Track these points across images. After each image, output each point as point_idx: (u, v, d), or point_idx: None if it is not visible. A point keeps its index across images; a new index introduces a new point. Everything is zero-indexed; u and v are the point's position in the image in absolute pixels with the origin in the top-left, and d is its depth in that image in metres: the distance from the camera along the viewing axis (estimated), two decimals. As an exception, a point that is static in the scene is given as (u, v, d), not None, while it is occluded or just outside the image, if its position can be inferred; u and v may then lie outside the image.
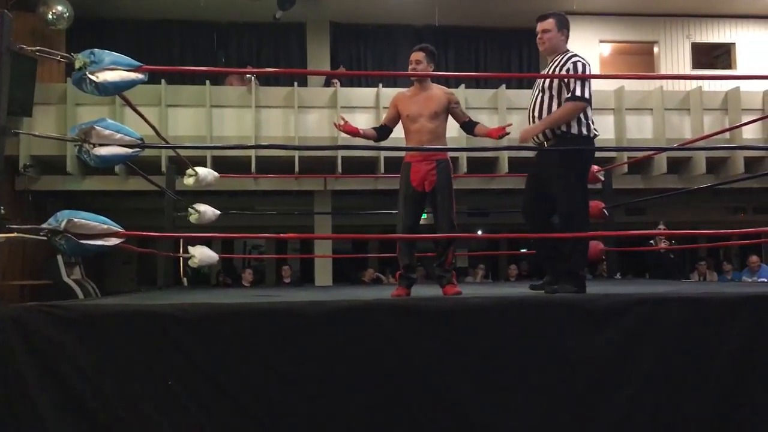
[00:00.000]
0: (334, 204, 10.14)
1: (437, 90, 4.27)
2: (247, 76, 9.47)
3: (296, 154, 8.96)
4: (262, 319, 2.89)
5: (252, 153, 8.84)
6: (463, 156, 9.29)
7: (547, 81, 3.91)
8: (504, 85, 9.77)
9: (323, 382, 2.85)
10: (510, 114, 9.42)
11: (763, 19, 11.76)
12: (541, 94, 3.94)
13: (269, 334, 2.86)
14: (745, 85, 9.90)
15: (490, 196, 10.47)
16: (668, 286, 4.67)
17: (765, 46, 11.78)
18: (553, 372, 2.99)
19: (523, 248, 10.54)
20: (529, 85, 10.64)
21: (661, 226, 7.80)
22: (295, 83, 9.48)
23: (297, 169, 8.92)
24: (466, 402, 2.91)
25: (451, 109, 4.27)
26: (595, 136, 3.94)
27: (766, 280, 7.86)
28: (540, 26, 4.07)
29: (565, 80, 3.82)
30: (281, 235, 4.61)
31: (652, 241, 7.90)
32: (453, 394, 2.91)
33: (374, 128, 4.48)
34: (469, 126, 4.37)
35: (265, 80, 10.05)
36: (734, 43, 11.84)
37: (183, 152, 6.47)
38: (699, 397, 3.03)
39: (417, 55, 4.21)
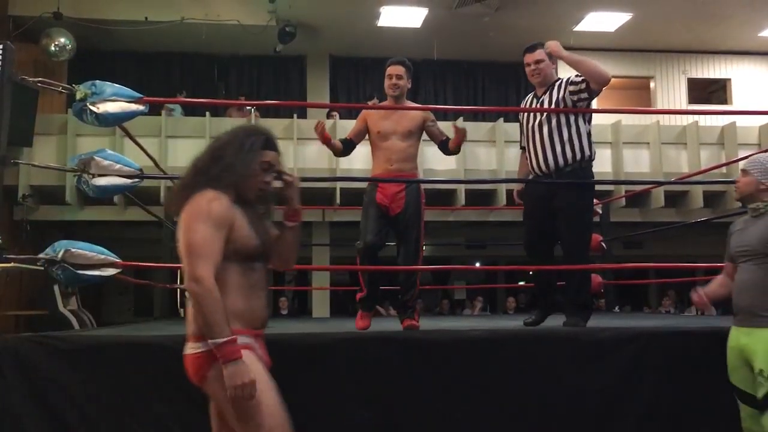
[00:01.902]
0: (333, 235, 10.13)
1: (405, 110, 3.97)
2: (247, 108, 9.55)
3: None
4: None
5: (251, 184, 8.85)
6: (461, 188, 9.31)
7: (544, 118, 3.88)
8: (502, 119, 9.85)
9: (316, 414, 2.83)
10: (508, 147, 9.48)
11: (757, 55, 11.92)
12: (547, 126, 3.82)
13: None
14: (740, 120, 9.98)
15: (488, 228, 10.49)
16: (663, 320, 4.67)
17: (760, 81, 11.92)
18: (553, 404, 2.97)
19: (521, 281, 10.52)
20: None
21: None
22: (295, 115, 9.55)
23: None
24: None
25: (427, 127, 3.95)
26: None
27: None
28: (532, 57, 3.98)
29: (573, 99, 3.83)
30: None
31: None
32: (451, 427, 2.88)
33: (340, 140, 4.15)
34: (444, 145, 4.09)
35: (265, 112, 10.14)
36: (730, 79, 11.98)
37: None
38: (698, 415, 3.02)
39: (397, 69, 3.91)
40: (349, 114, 10.26)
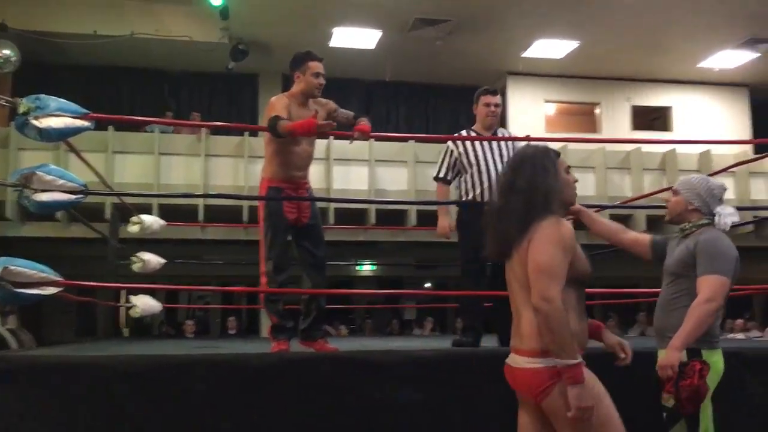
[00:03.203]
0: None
1: (318, 106, 3.79)
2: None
3: (245, 203, 8.90)
4: (202, 371, 2.82)
5: (200, 201, 8.75)
6: (412, 208, 9.37)
7: (508, 153, 4.12)
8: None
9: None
10: (458, 169, 9.59)
11: (697, 84, 12.38)
12: (502, 164, 4.08)
13: (210, 387, 2.79)
14: (681, 147, 10.34)
15: (438, 248, 10.54)
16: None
17: (699, 110, 12.37)
18: (505, 422, 2.99)
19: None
20: (477, 141, 10.92)
21: None
22: (246, 133, 9.49)
23: (245, 218, 8.85)
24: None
25: (333, 118, 3.80)
26: None
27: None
28: (495, 99, 4.23)
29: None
30: (226, 288, 4.51)
31: None
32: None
33: None
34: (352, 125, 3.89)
35: (216, 129, 10.04)
36: (671, 107, 12.40)
37: (129, 199, 6.37)
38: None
39: (322, 67, 3.79)
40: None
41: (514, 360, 2.26)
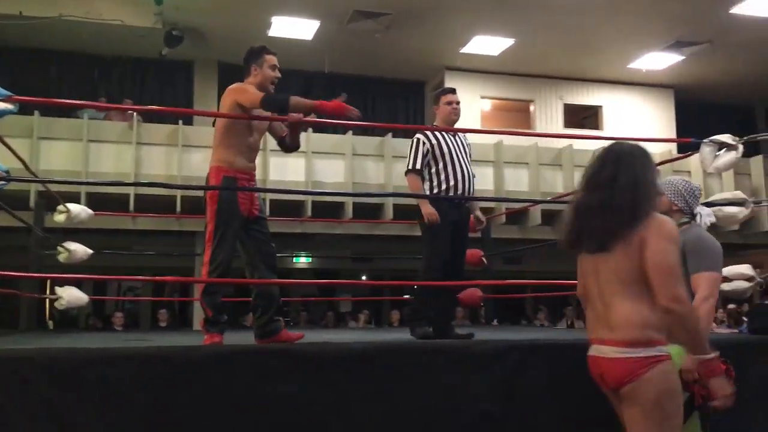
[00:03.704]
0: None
1: None
2: (129, 112, 9.18)
3: (178, 193, 8.71)
4: (131, 364, 2.75)
5: (131, 191, 8.52)
6: (349, 201, 9.37)
7: (468, 150, 4.29)
8: (390, 134, 10.01)
9: (199, 429, 2.74)
10: (396, 161, 9.66)
11: (626, 84, 12.80)
12: (467, 159, 4.25)
13: (138, 381, 2.72)
14: (611, 145, 10.66)
15: (374, 241, 10.59)
16: (540, 333, 4.87)
17: (628, 109, 12.79)
18: (436, 415, 3.02)
19: (407, 294, 10.67)
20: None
21: None
22: (180, 121, 9.28)
23: (179, 208, 8.66)
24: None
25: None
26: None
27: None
28: (456, 98, 4.33)
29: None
30: (158, 277, 4.39)
31: None
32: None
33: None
34: (283, 140, 3.92)
35: (148, 117, 9.78)
36: (601, 106, 12.79)
37: (55, 187, 6.14)
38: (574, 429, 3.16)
39: (276, 60, 3.79)
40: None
41: (600, 350, 2.32)
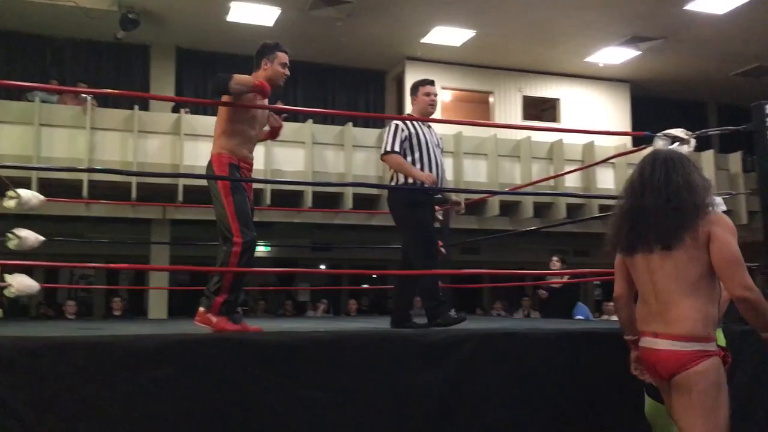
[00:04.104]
0: (173, 234, 9.76)
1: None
2: (83, 95, 8.95)
3: (134, 179, 8.54)
4: (83, 353, 2.70)
5: (84, 176, 8.34)
6: (308, 189, 9.32)
7: (439, 142, 4.33)
8: (351, 123, 9.98)
9: (152, 420, 2.70)
10: (356, 150, 9.66)
11: (584, 78, 12.98)
12: (440, 151, 4.28)
13: (91, 370, 2.67)
14: (567, 138, 10.83)
15: (333, 231, 10.57)
16: (496, 323, 4.93)
17: (585, 102, 12.99)
18: (391, 404, 3.04)
19: (365, 284, 10.70)
20: (375, 124, 11.00)
21: (555, 259, 8.12)
22: (136, 107, 9.10)
23: (134, 195, 8.51)
24: (301, 438, 2.88)
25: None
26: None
27: (582, 317, 8.52)
28: (434, 89, 4.34)
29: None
30: (111, 264, 4.31)
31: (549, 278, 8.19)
32: (291, 429, 2.87)
33: None
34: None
35: (103, 101, 9.56)
36: (559, 99, 12.95)
37: (5, 172, 5.95)
38: (528, 422, 3.21)
39: (287, 58, 3.83)
40: (196, 110, 9.94)
41: (656, 343, 2.46)
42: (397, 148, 4.13)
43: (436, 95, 4.36)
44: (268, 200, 9.18)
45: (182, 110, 9.36)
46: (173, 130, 9.15)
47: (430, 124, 4.40)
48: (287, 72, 3.75)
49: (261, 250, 11.78)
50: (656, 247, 2.46)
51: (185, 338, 2.91)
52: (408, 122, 4.22)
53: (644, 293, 2.56)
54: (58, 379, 2.62)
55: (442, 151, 4.40)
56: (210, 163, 3.64)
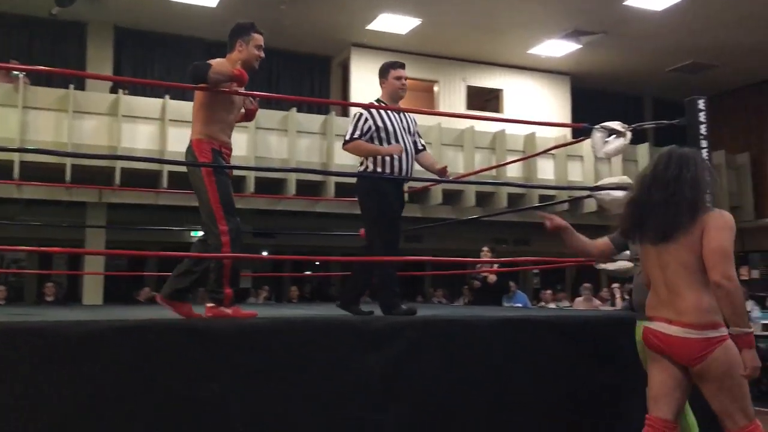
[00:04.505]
0: (110, 218, 9.51)
1: None
2: (14, 72, 8.59)
3: (68, 161, 8.27)
4: (12, 339, 2.61)
5: (15, 157, 8.03)
6: (251, 175, 9.21)
7: (413, 127, 4.25)
8: (295, 108, 9.89)
9: (88, 408, 2.64)
10: (299, 136, 9.59)
11: (527, 70, 13.18)
12: (410, 138, 4.20)
13: (22, 357, 2.59)
14: (510, 128, 10.99)
15: (276, 217, 10.48)
16: (437, 310, 4.98)
17: (528, 93, 13.19)
18: (332, 390, 3.04)
19: (308, 271, 10.66)
20: (320, 110, 10.93)
21: (485, 249, 8.22)
22: (72, 85, 8.80)
23: (69, 177, 8.24)
24: (248, 423, 2.85)
25: None
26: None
27: (521, 305, 8.70)
28: (405, 73, 4.28)
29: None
30: (44, 248, 4.15)
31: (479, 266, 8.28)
32: (231, 416, 2.84)
33: None
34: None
35: (37, 79, 9.20)
36: (503, 89, 13.12)
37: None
38: (468, 407, 3.27)
39: (262, 40, 3.73)
40: (134, 90, 9.68)
41: (668, 329, 2.61)
42: (356, 135, 4.06)
43: (406, 79, 4.27)
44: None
45: (120, 91, 9.10)
46: (111, 111, 8.90)
47: (409, 119, 4.29)
48: (262, 54, 3.70)
49: (201, 235, 11.60)
50: (660, 239, 2.64)
51: (123, 324, 2.84)
52: (374, 111, 4.11)
53: (655, 282, 2.72)
54: (-14, 367, 2.53)
55: (419, 135, 4.33)
56: (190, 149, 3.56)
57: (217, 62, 3.51)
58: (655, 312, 2.70)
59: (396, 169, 4.08)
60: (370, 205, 4.06)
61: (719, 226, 2.58)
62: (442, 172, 4.30)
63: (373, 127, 4.07)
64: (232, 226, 3.43)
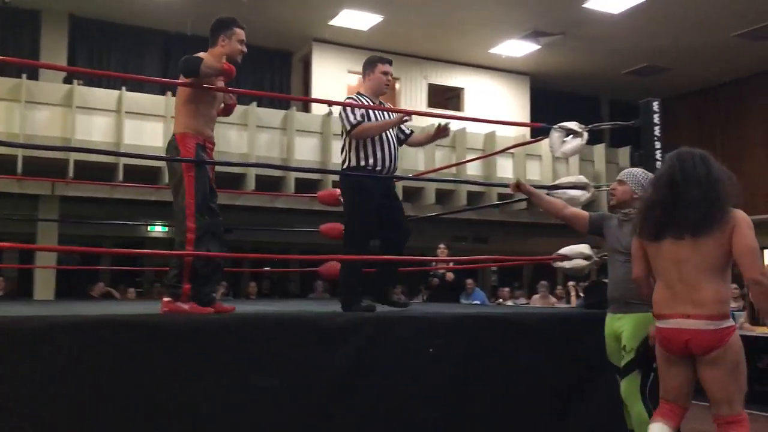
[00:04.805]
0: (63, 211, 9.29)
1: None
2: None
3: (20, 152, 8.05)
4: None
5: (-36, 148, 7.79)
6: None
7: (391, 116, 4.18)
8: (255, 103, 9.81)
9: (39, 404, 2.58)
10: (260, 131, 9.51)
11: (487, 69, 13.29)
12: (394, 130, 4.16)
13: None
14: (470, 126, 11.08)
15: (235, 212, 10.36)
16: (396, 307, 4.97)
17: (488, 93, 13.31)
18: (290, 386, 3.03)
19: (267, 266, 10.58)
20: (281, 105, 10.85)
21: (442, 247, 8.26)
22: (24, 75, 8.57)
23: (20, 169, 8.02)
24: (203, 420, 2.83)
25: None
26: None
27: (478, 302, 8.78)
28: (391, 69, 4.28)
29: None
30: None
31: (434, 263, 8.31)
32: (188, 413, 2.81)
33: None
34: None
35: (-13, 68, 8.94)
36: (464, 88, 13.21)
37: None
38: (422, 401, 3.29)
39: (244, 35, 3.78)
40: (90, 82, 9.47)
41: (685, 323, 2.71)
42: (360, 120, 4.00)
43: (392, 75, 4.27)
44: (167, 179, 8.87)
45: (75, 81, 8.89)
46: (65, 101, 8.70)
47: (381, 100, 4.26)
48: (244, 49, 3.69)
49: (159, 230, 11.43)
50: (688, 235, 2.72)
51: (76, 320, 2.78)
52: (363, 99, 4.11)
53: (667, 278, 2.78)
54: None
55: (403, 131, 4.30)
56: (173, 143, 3.50)
57: (204, 56, 3.47)
58: (668, 309, 2.77)
59: (380, 164, 4.03)
60: (349, 200, 4.06)
61: (749, 225, 2.70)
62: (440, 130, 4.23)
63: (364, 114, 4.03)
64: (199, 225, 3.40)
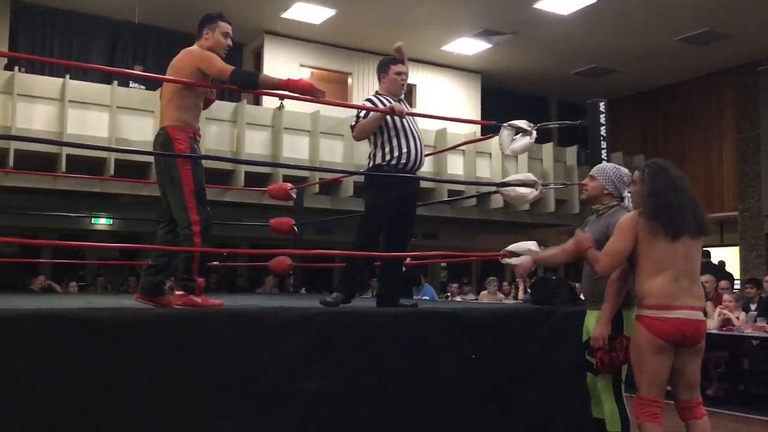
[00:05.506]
0: (2, 201, 8.98)
1: None
2: None
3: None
4: None
5: None
6: (153, 161, 8.90)
7: (414, 121, 4.19)
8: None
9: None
10: (210, 124, 9.36)
11: (439, 66, 13.36)
12: (418, 131, 4.16)
13: None
14: (422, 123, 11.06)
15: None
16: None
17: (440, 90, 13.38)
18: (238, 381, 3.00)
19: (215, 261, 10.43)
20: (231, 97, 10.69)
21: None
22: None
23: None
24: (148, 420, 2.77)
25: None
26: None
27: (428, 297, 8.85)
28: (405, 69, 4.29)
29: None
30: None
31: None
32: (129, 412, 2.75)
33: None
34: None
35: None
36: (416, 85, 13.24)
37: None
38: (372, 395, 3.30)
39: (230, 28, 3.72)
40: (32, 69, 9.17)
41: (693, 315, 2.93)
42: (359, 120, 4.04)
43: (406, 74, 4.27)
44: (112, 170, 8.69)
45: (16, 68, 8.60)
46: (5, 89, 8.41)
47: (402, 98, 4.26)
48: (229, 42, 3.67)
49: (103, 223, 11.15)
50: (699, 234, 2.99)
51: (13, 314, 2.69)
52: (382, 98, 4.11)
53: (675, 272, 2.95)
54: None
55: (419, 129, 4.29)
56: (165, 135, 3.48)
57: (209, 55, 3.50)
58: (676, 300, 2.93)
59: (404, 157, 4.02)
60: (365, 198, 4.08)
61: None
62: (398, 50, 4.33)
63: (365, 113, 4.07)
64: (203, 216, 3.41)
